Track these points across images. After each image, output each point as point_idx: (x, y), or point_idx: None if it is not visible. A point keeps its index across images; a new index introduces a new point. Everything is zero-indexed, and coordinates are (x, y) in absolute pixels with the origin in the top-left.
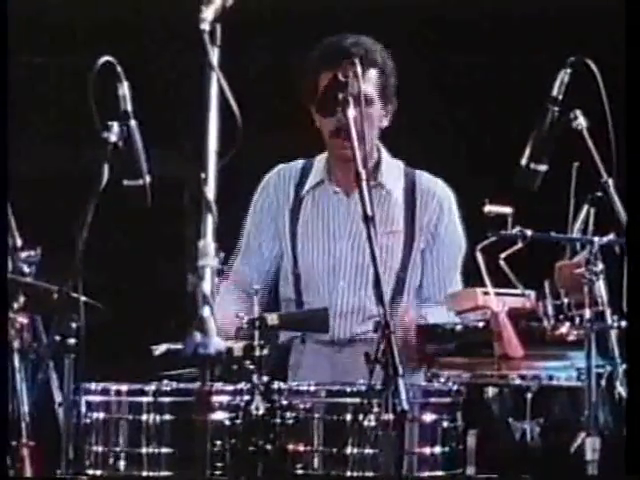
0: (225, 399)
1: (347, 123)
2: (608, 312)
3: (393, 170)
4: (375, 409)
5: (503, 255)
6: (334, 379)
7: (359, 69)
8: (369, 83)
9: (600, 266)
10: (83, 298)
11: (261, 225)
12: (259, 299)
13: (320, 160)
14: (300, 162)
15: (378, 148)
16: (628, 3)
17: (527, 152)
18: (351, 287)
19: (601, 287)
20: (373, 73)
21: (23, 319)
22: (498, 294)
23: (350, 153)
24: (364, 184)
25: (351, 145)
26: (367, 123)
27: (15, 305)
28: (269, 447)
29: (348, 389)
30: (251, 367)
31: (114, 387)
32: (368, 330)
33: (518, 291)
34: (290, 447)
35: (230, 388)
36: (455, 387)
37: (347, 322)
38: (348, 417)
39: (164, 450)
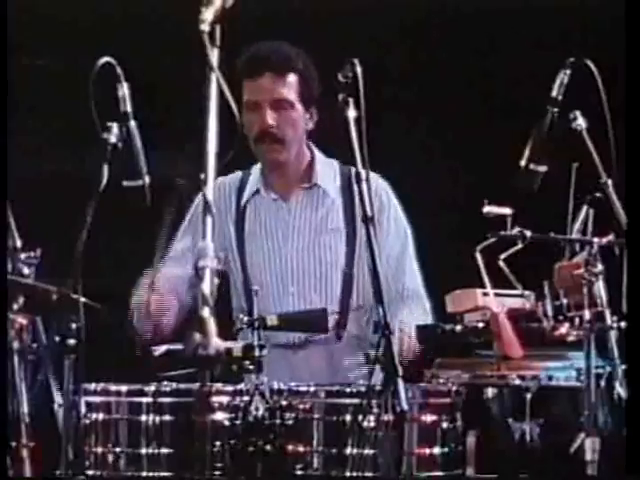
0: (225, 399)
1: (269, 126)
2: (607, 313)
3: (328, 170)
4: (375, 410)
5: (502, 256)
6: (292, 380)
7: (358, 70)
8: (289, 88)
9: (599, 267)
10: (83, 299)
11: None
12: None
13: (256, 169)
14: (239, 174)
15: (310, 149)
16: (628, 4)
17: (526, 153)
18: (301, 291)
19: (600, 288)
20: (293, 78)
21: (23, 320)
22: (497, 295)
23: (281, 157)
24: (364, 184)
25: (350, 145)
26: (290, 127)
27: (15, 306)
28: (269, 447)
29: (347, 390)
30: (251, 367)
31: (114, 388)
32: None
33: (517, 292)
34: (290, 447)
35: (230, 389)
36: (454, 388)
37: None
38: (347, 418)
39: (164, 451)
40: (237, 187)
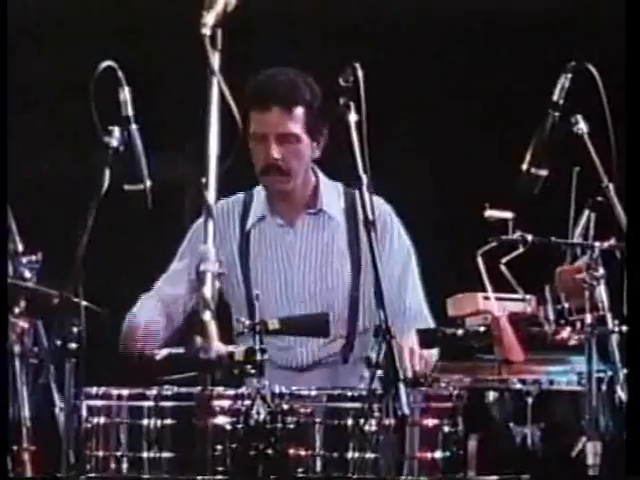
0: (226, 403)
1: (275, 160)
2: (609, 317)
3: (332, 193)
4: (376, 414)
5: (504, 260)
6: None
7: (360, 74)
8: (296, 121)
9: (601, 271)
10: (84, 303)
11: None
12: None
13: (260, 192)
14: (240, 196)
15: (315, 173)
16: (628, 8)
17: (528, 157)
18: None
19: (602, 292)
20: (300, 111)
21: (24, 323)
22: (499, 299)
23: (287, 188)
24: (364, 188)
25: (351, 150)
26: (296, 159)
27: (16, 309)
28: (270, 451)
29: (349, 393)
30: (252, 371)
31: (115, 391)
32: (330, 354)
33: (519, 296)
34: (291, 451)
35: (231, 392)
36: (456, 391)
37: (309, 348)
38: (349, 422)
39: (165, 454)
40: (240, 211)
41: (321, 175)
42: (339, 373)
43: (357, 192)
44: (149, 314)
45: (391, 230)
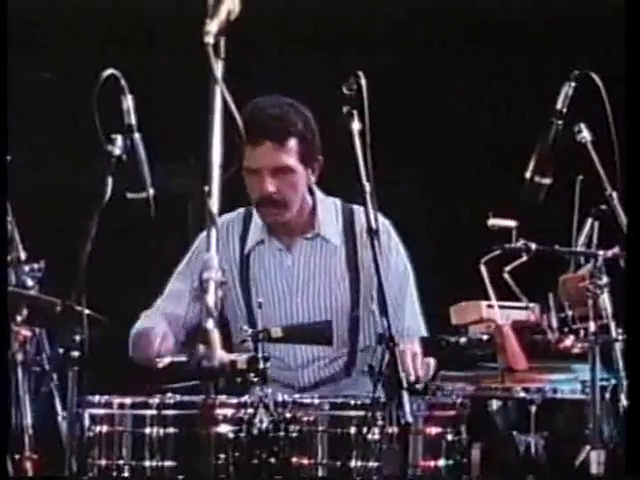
0: (229, 412)
1: (270, 193)
2: (612, 325)
3: (329, 214)
4: (379, 422)
5: (507, 268)
6: None
7: (363, 82)
8: (289, 154)
9: (604, 279)
10: (87, 311)
11: None
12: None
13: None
14: (241, 213)
15: (312, 193)
16: (628, 15)
17: (531, 165)
18: None
19: (605, 300)
20: (293, 143)
21: (26, 332)
22: (502, 307)
23: (283, 219)
24: (367, 196)
25: (354, 158)
26: (291, 190)
27: (18, 318)
28: (273, 460)
29: (352, 402)
30: (255, 380)
31: (117, 400)
32: (332, 372)
33: (522, 304)
34: (294, 460)
35: (234, 401)
36: (459, 400)
37: (311, 369)
38: (352, 430)
39: (167, 463)
40: (240, 231)
41: (318, 194)
42: (342, 387)
43: (356, 207)
44: (154, 325)
45: (388, 250)
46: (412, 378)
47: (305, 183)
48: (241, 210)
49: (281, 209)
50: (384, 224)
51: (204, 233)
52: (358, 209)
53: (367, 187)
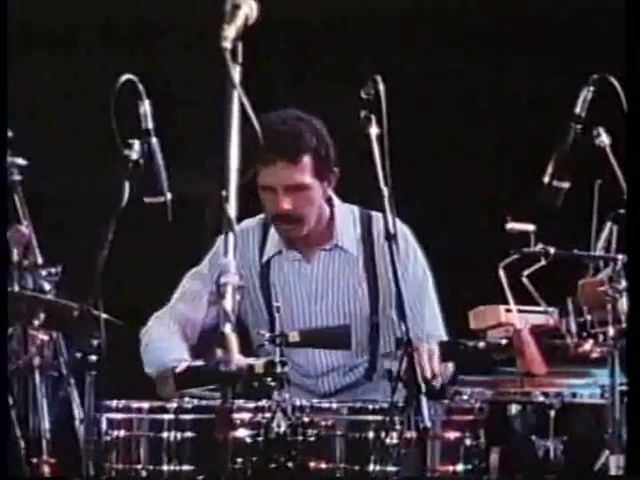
0: (246, 416)
1: (285, 210)
2: None
3: (347, 223)
4: (397, 426)
5: (526, 272)
6: None
7: (381, 87)
8: (303, 171)
9: (623, 283)
10: (104, 315)
11: None
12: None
13: None
14: (260, 220)
15: (330, 200)
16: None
17: (550, 169)
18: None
19: (624, 304)
20: (307, 160)
21: (44, 336)
22: (521, 311)
23: (299, 234)
24: (386, 201)
25: (372, 163)
26: (307, 205)
27: (36, 322)
28: (291, 464)
29: (370, 406)
30: (272, 384)
31: (135, 404)
32: (353, 379)
33: (541, 308)
34: (312, 464)
35: (251, 405)
36: (478, 404)
37: (331, 377)
38: (370, 434)
39: (185, 468)
40: (259, 240)
41: (336, 202)
42: (364, 391)
43: (374, 213)
44: (162, 333)
45: (405, 255)
46: (428, 374)
47: (321, 197)
48: (261, 216)
49: (297, 225)
50: (402, 230)
51: (226, 207)
52: (376, 215)
53: (385, 192)
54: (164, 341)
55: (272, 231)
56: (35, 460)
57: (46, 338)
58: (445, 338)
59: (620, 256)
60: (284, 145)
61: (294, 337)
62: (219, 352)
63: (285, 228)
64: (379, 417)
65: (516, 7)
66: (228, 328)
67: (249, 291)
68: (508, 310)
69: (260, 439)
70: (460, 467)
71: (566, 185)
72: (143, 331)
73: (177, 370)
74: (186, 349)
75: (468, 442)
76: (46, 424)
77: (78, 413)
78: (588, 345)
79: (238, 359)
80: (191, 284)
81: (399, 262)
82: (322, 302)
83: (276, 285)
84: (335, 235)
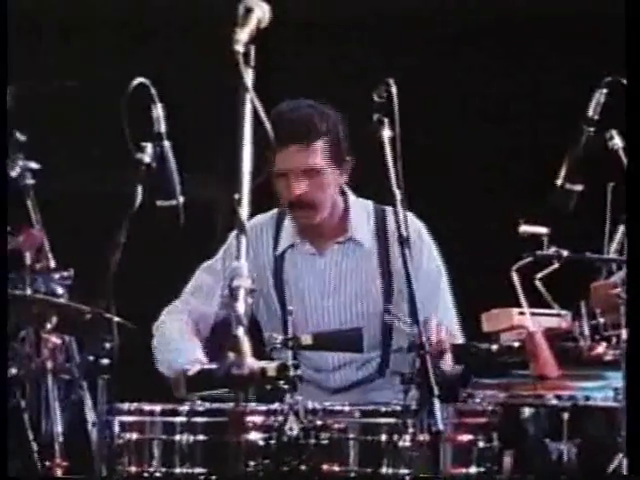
0: (259, 419)
1: (298, 196)
2: None
3: (361, 216)
4: (410, 429)
5: (539, 275)
6: None
7: (394, 90)
8: (316, 156)
9: None
10: (116, 318)
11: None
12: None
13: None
14: (274, 215)
15: (345, 195)
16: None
17: (562, 172)
18: None
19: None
20: (319, 145)
21: (56, 340)
22: (534, 314)
23: (313, 221)
24: (399, 204)
25: (384, 166)
26: (320, 191)
27: (48, 326)
28: (303, 467)
29: (383, 409)
30: (285, 387)
31: (147, 407)
32: (365, 374)
33: (554, 311)
34: (324, 467)
35: (264, 408)
36: (490, 407)
37: (344, 372)
38: (383, 437)
39: (197, 470)
40: (273, 233)
41: (351, 196)
42: (375, 387)
43: (389, 209)
44: (175, 330)
45: (420, 251)
46: (434, 338)
47: (334, 184)
48: (275, 211)
49: (311, 211)
50: (416, 226)
51: (239, 210)
52: (391, 211)
53: (398, 195)
54: (177, 341)
55: (286, 224)
56: (48, 463)
57: (58, 342)
58: (458, 330)
59: None
60: (296, 129)
61: (307, 340)
62: (231, 355)
63: (299, 215)
64: (392, 420)
65: (534, 7)
66: (240, 331)
67: (262, 289)
68: (521, 313)
69: (273, 442)
70: (473, 470)
71: (579, 188)
72: (156, 325)
73: (189, 373)
74: (199, 346)
75: (481, 445)
76: (59, 427)
77: (90, 416)
78: (601, 348)
79: (251, 362)
80: (204, 278)
81: (412, 261)
82: (335, 296)
83: (290, 283)
84: (349, 228)
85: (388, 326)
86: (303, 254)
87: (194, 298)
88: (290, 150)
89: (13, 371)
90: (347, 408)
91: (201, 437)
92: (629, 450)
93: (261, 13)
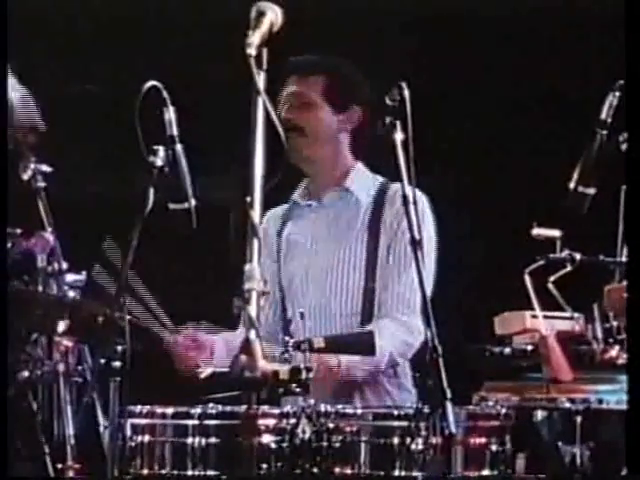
0: (271, 422)
1: (289, 119)
2: None
3: (364, 179)
4: (423, 432)
5: (552, 278)
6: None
7: (406, 93)
8: (312, 88)
9: None
10: (128, 317)
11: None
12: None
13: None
14: (285, 206)
15: (355, 159)
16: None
17: (575, 175)
18: (322, 301)
19: None
20: (318, 79)
21: (68, 342)
22: (547, 317)
23: (306, 152)
24: (411, 207)
25: (396, 169)
26: (314, 122)
27: (60, 328)
28: (316, 470)
29: (395, 412)
30: (297, 390)
31: (159, 410)
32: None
33: (567, 314)
34: (337, 470)
35: (276, 411)
36: (504, 410)
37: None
38: (395, 440)
39: (210, 473)
40: (282, 219)
41: (360, 164)
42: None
43: (393, 184)
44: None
45: (423, 220)
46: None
47: (334, 124)
48: (284, 206)
49: (299, 138)
50: (420, 196)
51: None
52: (395, 186)
53: (410, 197)
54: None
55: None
56: (60, 466)
57: (70, 344)
58: (414, 310)
59: None
60: (299, 63)
61: (319, 343)
62: (244, 358)
63: (295, 144)
64: (404, 423)
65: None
66: (253, 334)
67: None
68: (534, 316)
69: (285, 445)
70: (486, 473)
71: (592, 191)
72: None
73: (202, 375)
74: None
75: (494, 448)
76: (71, 430)
77: (102, 419)
78: (614, 351)
79: (263, 365)
80: None
81: (421, 252)
82: (324, 245)
83: (283, 237)
84: (349, 180)
85: (371, 294)
86: (304, 210)
87: None
88: (289, 81)
89: (25, 374)
90: (359, 411)
91: (213, 440)
92: (629, 450)
93: (273, 16)
